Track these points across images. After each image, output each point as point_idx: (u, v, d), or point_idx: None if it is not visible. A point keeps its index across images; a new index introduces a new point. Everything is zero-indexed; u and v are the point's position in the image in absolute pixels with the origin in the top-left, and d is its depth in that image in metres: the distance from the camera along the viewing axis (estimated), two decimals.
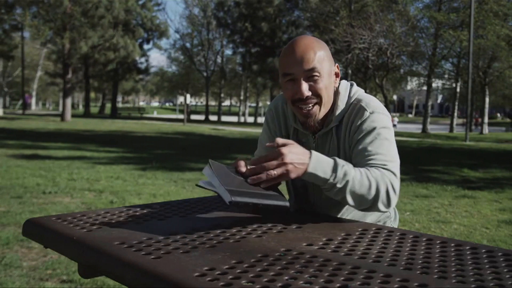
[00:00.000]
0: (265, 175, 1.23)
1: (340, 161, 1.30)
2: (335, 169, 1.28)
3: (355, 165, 1.36)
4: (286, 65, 1.44)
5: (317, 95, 1.44)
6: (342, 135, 1.50)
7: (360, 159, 1.41)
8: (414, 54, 26.45)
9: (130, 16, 37.33)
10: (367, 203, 1.33)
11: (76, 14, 28.02)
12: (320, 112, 1.47)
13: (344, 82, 1.57)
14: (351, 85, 1.57)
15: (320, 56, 1.42)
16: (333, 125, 1.51)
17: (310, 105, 1.44)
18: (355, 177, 1.29)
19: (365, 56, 25.69)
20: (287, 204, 1.40)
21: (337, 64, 1.52)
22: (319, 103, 1.45)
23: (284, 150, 1.23)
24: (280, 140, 1.27)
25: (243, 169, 1.37)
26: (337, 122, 1.50)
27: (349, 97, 1.52)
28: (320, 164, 1.26)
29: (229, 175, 1.34)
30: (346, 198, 1.31)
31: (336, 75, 1.51)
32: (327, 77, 1.44)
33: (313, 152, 1.28)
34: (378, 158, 1.38)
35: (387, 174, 1.34)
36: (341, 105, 1.51)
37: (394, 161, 1.40)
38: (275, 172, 1.22)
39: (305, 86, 1.42)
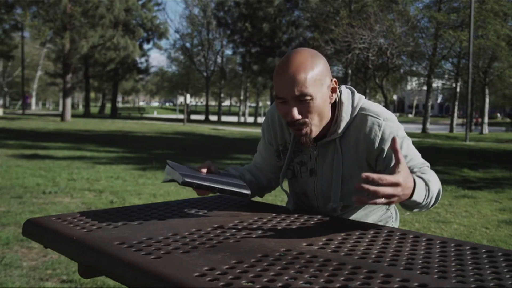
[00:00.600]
0: (372, 201, 1.09)
1: (425, 179, 1.30)
2: (427, 189, 1.28)
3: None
4: (277, 88, 1.40)
5: (308, 117, 1.40)
6: (350, 146, 1.49)
7: None
8: (414, 54, 26.43)
9: (130, 16, 37.33)
10: (433, 204, 1.37)
11: (76, 14, 28.01)
12: (312, 132, 1.44)
13: (345, 90, 1.53)
14: (352, 92, 1.54)
15: (312, 77, 1.36)
16: (337, 136, 1.49)
17: (301, 126, 1.42)
18: (434, 189, 1.31)
19: (365, 56, 25.68)
20: (248, 192, 1.43)
21: (334, 79, 1.46)
22: (311, 124, 1.42)
23: (401, 179, 1.12)
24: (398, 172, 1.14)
25: (204, 170, 1.48)
26: (341, 133, 1.49)
27: (353, 107, 1.50)
28: (420, 191, 1.24)
29: (187, 168, 1.47)
30: (427, 208, 1.36)
31: (333, 90, 1.46)
32: (320, 98, 1.40)
33: (416, 178, 1.23)
34: (416, 160, 1.43)
35: (433, 172, 1.39)
36: (345, 116, 1.48)
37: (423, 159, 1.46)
38: (383, 200, 1.10)
39: (295, 110, 1.38)
